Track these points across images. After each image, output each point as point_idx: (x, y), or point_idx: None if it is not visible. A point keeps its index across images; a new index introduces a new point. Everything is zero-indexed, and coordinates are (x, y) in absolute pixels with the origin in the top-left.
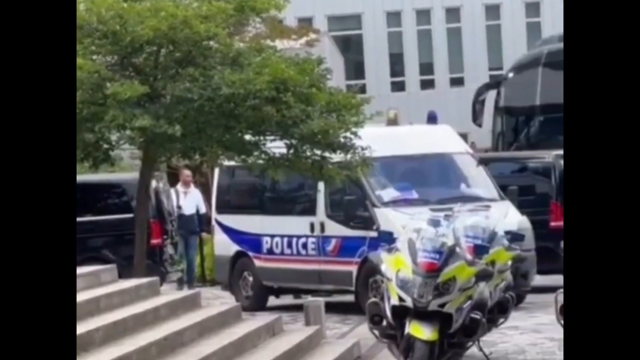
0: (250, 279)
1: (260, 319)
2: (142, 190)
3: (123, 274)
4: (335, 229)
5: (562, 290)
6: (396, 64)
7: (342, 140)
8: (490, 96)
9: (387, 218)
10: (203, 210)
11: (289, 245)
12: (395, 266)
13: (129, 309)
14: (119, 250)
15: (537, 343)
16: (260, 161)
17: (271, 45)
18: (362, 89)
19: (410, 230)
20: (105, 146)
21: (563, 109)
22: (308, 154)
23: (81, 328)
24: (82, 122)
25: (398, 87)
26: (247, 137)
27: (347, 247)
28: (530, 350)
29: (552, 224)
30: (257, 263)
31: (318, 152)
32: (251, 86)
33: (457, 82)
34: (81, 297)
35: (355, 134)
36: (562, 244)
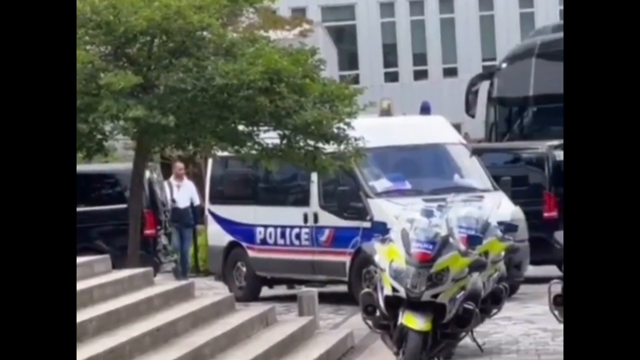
0: (244, 269)
1: (254, 310)
2: (136, 180)
3: (117, 265)
4: (329, 220)
5: (555, 280)
6: (389, 54)
7: (335, 130)
8: (484, 87)
9: (381, 208)
10: (197, 202)
11: (283, 235)
12: (389, 256)
13: (122, 300)
14: (113, 240)
15: (530, 333)
16: (254, 152)
17: (265, 35)
18: (356, 80)
19: (403, 220)
20: (99, 136)
21: (559, 99)
22: (301, 144)
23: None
24: (76, 112)
25: (391, 77)
26: (241, 127)
27: (340, 238)
28: (524, 341)
29: (545, 214)
30: (251, 253)
31: (311, 142)
32: (244, 77)
33: (450, 72)
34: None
35: (348, 124)
36: (555, 234)
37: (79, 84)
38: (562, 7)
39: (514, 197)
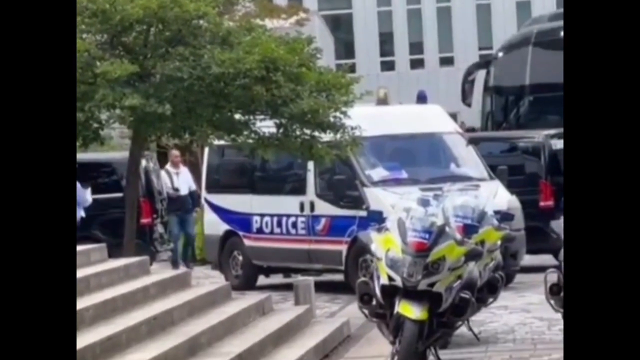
0: (240, 258)
1: (250, 298)
2: (132, 169)
3: (113, 253)
4: (325, 209)
5: (551, 269)
6: (386, 43)
7: (331, 119)
8: (480, 76)
9: (377, 197)
10: (194, 187)
11: (279, 224)
12: (385, 245)
13: (118, 288)
14: (109, 229)
15: (526, 322)
16: (250, 140)
17: (261, 24)
18: (352, 69)
19: (399, 209)
20: (95, 125)
21: (555, 88)
22: (298, 133)
23: None
24: (76, 100)
25: (388, 66)
26: (237, 116)
27: (336, 227)
28: (520, 330)
29: (542, 203)
30: (247, 242)
31: (308, 131)
32: (241, 65)
33: (446, 61)
34: None
35: (344, 113)
36: (551, 223)
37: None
38: None
39: (510, 186)
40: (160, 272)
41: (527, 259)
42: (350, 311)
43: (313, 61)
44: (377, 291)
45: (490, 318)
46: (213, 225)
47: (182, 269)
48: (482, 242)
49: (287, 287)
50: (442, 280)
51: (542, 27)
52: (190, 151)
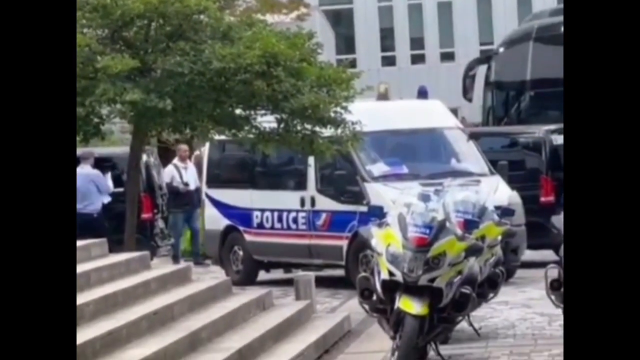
0: (241, 253)
1: (251, 293)
2: (133, 164)
3: (113, 248)
4: (326, 204)
5: (552, 265)
6: (387, 38)
7: (332, 114)
8: (481, 71)
9: (378, 193)
10: (198, 183)
11: (280, 219)
12: (386, 241)
13: (119, 283)
14: (110, 224)
15: (527, 318)
16: (251, 135)
17: (262, 19)
18: (353, 64)
19: (400, 205)
20: (96, 120)
21: (556, 83)
22: (298, 128)
23: None
24: (76, 94)
25: (388, 61)
26: (238, 111)
27: (337, 222)
28: (520, 325)
29: (542, 199)
30: (248, 237)
31: (308, 126)
32: (242, 60)
33: (447, 56)
34: None
35: (345, 108)
36: (552, 219)
37: (76, 67)
38: None
39: (511, 182)
40: (161, 267)
41: (528, 255)
42: (351, 306)
43: (314, 56)
44: (378, 286)
45: (490, 313)
46: (214, 220)
47: (183, 263)
48: (482, 238)
49: (288, 282)
50: (442, 276)
51: (543, 23)
52: (191, 146)
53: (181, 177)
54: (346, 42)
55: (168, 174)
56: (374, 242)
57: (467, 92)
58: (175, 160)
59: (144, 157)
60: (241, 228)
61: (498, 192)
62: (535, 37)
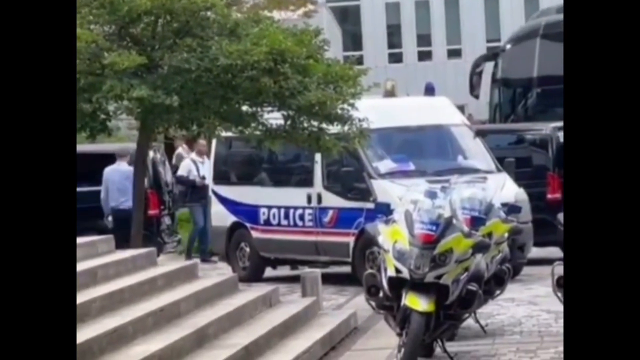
0: (247, 250)
1: (257, 290)
2: (140, 160)
3: (120, 245)
4: (332, 201)
5: (558, 262)
6: (394, 35)
7: (339, 111)
8: (488, 68)
9: (384, 189)
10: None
11: (286, 216)
12: (392, 238)
13: (125, 280)
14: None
15: (533, 315)
16: (258, 132)
17: (269, 16)
18: (360, 61)
19: (407, 201)
20: (103, 116)
21: (563, 81)
22: (305, 125)
23: (78, 298)
24: (80, 92)
25: (395, 58)
26: (245, 108)
27: (344, 219)
28: (527, 322)
29: (549, 196)
30: (254, 234)
31: (315, 123)
32: (249, 57)
33: (454, 53)
34: (78, 267)
35: (352, 105)
36: (559, 216)
37: (83, 63)
38: None
39: (518, 179)
40: (168, 263)
41: (535, 252)
42: (357, 303)
43: (321, 53)
44: (384, 283)
45: (497, 310)
46: (220, 216)
47: (190, 260)
48: (489, 235)
49: (294, 279)
50: (449, 273)
51: (550, 19)
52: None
53: (198, 171)
54: (353, 39)
55: (185, 168)
56: (380, 239)
57: (474, 89)
58: (193, 155)
59: (151, 154)
60: (248, 225)
61: (505, 189)
62: (543, 34)
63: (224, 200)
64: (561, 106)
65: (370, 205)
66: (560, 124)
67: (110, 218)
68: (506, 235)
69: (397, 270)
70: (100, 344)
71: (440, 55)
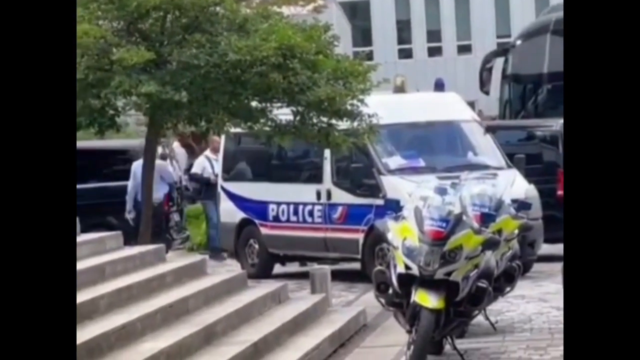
0: (256, 246)
1: (266, 287)
2: (148, 156)
3: (128, 241)
4: (342, 197)
5: None
6: (403, 30)
7: (348, 107)
8: (498, 64)
9: (394, 186)
10: None
11: (295, 212)
12: (402, 234)
13: (134, 276)
14: (125, 217)
15: (543, 312)
16: (267, 128)
17: (278, 11)
18: (369, 56)
19: (416, 198)
20: (111, 112)
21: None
22: (314, 121)
23: (86, 295)
24: (88, 88)
25: (405, 54)
26: (254, 103)
27: (353, 215)
28: (537, 319)
29: (559, 192)
30: (263, 230)
31: (324, 119)
32: (258, 53)
33: (464, 49)
34: (86, 264)
35: (362, 101)
36: None
37: (91, 59)
38: None
39: (528, 175)
40: (176, 260)
41: (545, 248)
42: (367, 300)
43: (330, 48)
44: (394, 280)
45: (507, 307)
46: (229, 213)
47: (198, 256)
48: (499, 231)
49: (304, 275)
50: (459, 269)
51: (561, 15)
52: (206, 139)
53: (212, 168)
54: (363, 35)
55: (199, 165)
56: (390, 236)
57: (484, 85)
58: (207, 152)
59: (159, 150)
60: (257, 221)
61: (515, 185)
62: (553, 30)
63: (232, 197)
64: None
65: (380, 202)
66: None
67: (131, 214)
68: (516, 231)
69: (407, 267)
70: (109, 341)
71: (450, 51)
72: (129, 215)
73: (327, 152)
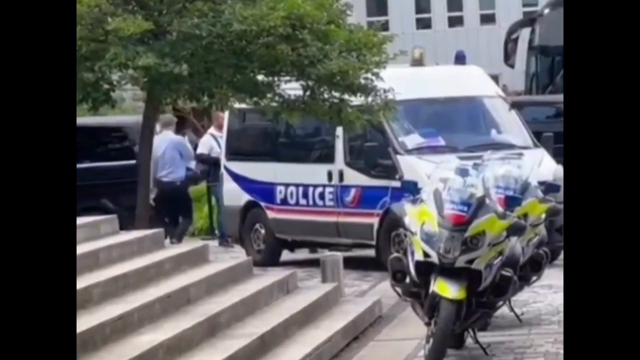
0: (263, 231)
1: (273, 275)
2: (146, 134)
3: (124, 225)
4: (355, 178)
5: None
6: None
7: (362, 81)
8: (524, 34)
9: (411, 166)
10: None
11: (305, 195)
12: (420, 218)
13: (130, 263)
14: (120, 199)
15: None
16: (274, 104)
17: None
18: (385, 26)
19: (436, 179)
20: (106, 86)
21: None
22: (326, 96)
23: (79, 284)
24: (81, 60)
25: (424, 24)
26: (260, 77)
27: (367, 198)
28: None
29: None
30: (270, 214)
31: (336, 94)
32: (264, 22)
33: (488, 19)
34: (79, 250)
35: (377, 75)
36: None
37: (85, 29)
38: None
39: (556, 155)
40: (176, 246)
41: None
42: (382, 289)
43: (343, 18)
44: (411, 268)
45: (533, 298)
46: (233, 195)
47: (200, 242)
48: (525, 216)
49: (314, 263)
50: (481, 257)
51: None
52: (209, 115)
53: (220, 146)
54: (378, 3)
55: (205, 145)
56: (407, 220)
57: (509, 58)
58: (212, 130)
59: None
60: (263, 204)
61: (542, 166)
62: None
63: (237, 178)
64: None
65: (396, 184)
66: None
67: (153, 194)
68: (543, 216)
69: (425, 254)
70: (103, 333)
71: (473, 20)
72: (151, 195)
73: (339, 130)
